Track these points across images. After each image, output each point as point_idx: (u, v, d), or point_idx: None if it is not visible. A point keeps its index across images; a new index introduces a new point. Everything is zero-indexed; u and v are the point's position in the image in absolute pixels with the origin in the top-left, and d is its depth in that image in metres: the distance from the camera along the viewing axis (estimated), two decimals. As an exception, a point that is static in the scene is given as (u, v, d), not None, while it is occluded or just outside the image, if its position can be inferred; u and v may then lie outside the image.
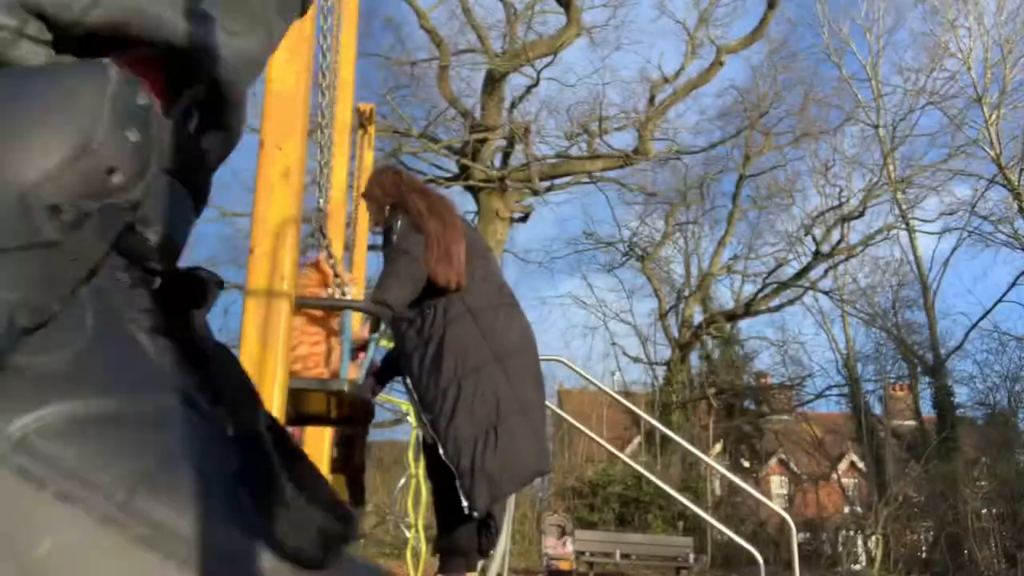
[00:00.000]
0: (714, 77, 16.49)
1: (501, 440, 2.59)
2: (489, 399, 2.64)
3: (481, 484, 2.54)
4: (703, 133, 25.16)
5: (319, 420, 1.75)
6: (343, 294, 1.66)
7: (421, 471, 4.95)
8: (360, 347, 2.05)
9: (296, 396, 1.51)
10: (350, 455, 3.01)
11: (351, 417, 1.79)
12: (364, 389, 1.63)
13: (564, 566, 11.28)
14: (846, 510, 17.17)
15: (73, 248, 0.42)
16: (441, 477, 2.63)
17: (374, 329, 1.97)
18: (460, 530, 2.66)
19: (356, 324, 2.47)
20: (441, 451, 2.59)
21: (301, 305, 1.54)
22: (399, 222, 2.81)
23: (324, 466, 2.78)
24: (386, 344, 3.24)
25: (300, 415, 1.59)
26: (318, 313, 1.64)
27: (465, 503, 2.52)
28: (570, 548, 11.49)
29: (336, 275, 1.66)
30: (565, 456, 16.70)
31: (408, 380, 2.70)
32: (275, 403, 1.43)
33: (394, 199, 2.94)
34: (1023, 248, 17.29)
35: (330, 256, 1.69)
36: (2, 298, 0.40)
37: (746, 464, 19.13)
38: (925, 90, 18.37)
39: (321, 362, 1.59)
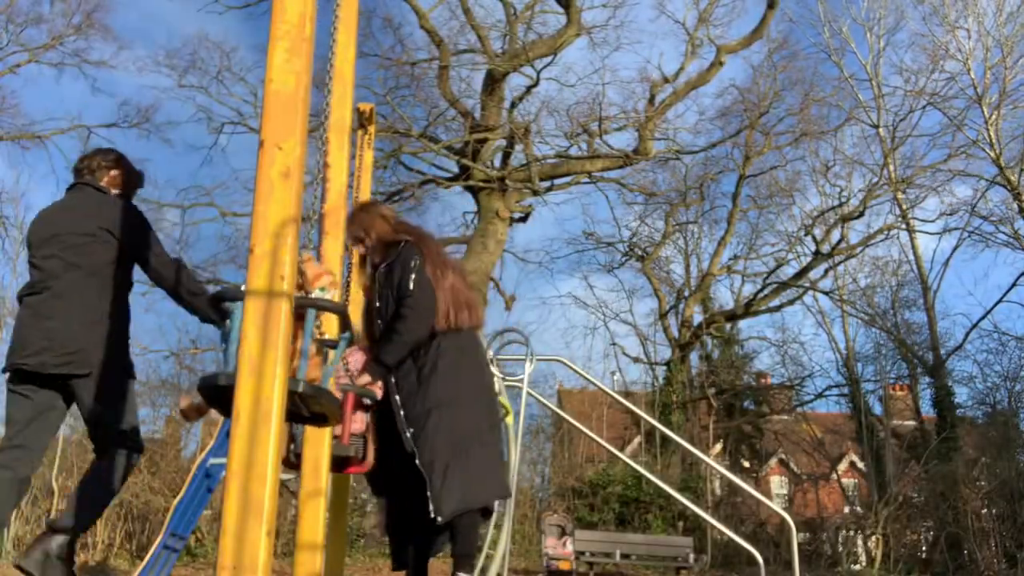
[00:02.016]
0: (714, 77, 16.51)
1: (469, 464, 3.02)
2: (459, 428, 3.06)
3: (450, 497, 2.95)
4: (703, 133, 25.18)
5: (293, 418, 1.79)
6: (307, 293, 1.71)
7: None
8: (330, 344, 2.07)
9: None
10: (364, 452, 3.06)
11: (322, 415, 1.84)
12: (325, 394, 1.69)
13: (564, 566, 11.27)
14: (846, 510, 17.17)
15: None
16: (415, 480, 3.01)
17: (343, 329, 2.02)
18: (473, 533, 3.04)
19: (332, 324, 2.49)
20: (417, 461, 2.99)
21: None
22: (415, 261, 3.12)
23: (326, 465, 2.78)
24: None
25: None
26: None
27: (432, 507, 2.91)
28: (570, 548, 11.48)
29: (301, 272, 1.68)
30: (565, 456, 16.68)
31: (397, 396, 3.09)
32: (275, 403, 1.43)
33: (407, 237, 3.24)
34: (1023, 248, 17.30)
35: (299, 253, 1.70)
36: None
37: (746, 464, 19.13)
38: (925, 91, 18.38)
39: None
